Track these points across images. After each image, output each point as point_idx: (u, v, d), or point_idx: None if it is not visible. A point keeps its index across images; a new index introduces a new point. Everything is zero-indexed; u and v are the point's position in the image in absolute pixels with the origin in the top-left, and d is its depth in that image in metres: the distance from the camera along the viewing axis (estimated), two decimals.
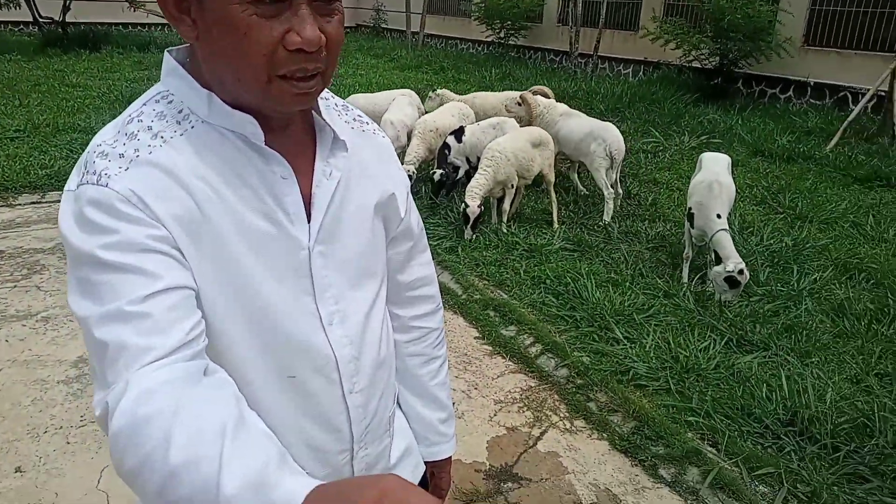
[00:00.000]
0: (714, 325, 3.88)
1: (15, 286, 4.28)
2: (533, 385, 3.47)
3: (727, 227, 4.31)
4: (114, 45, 15.14)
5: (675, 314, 4.03)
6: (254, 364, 0.94)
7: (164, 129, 0.89)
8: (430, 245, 4.07)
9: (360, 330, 1.03)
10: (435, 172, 5.85)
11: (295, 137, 0.97)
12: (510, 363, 3.67)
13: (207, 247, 0.88)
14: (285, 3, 0.82)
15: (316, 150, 0.98)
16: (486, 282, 4.54)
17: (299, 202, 0.94)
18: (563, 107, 6.51)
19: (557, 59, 15.31)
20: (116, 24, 18.13)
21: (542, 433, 3.09)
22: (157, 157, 0.86)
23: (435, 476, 1.37)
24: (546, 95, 7.08)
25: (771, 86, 11.21)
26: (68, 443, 2.86)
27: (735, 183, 6.49)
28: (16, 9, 14.71)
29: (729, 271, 4.10)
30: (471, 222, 5.04)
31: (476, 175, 5.15)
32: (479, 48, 17.82)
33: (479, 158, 5.39)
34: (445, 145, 5.94)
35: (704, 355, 3.55)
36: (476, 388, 3.42)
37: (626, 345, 3.69)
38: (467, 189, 5.10)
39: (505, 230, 5.31)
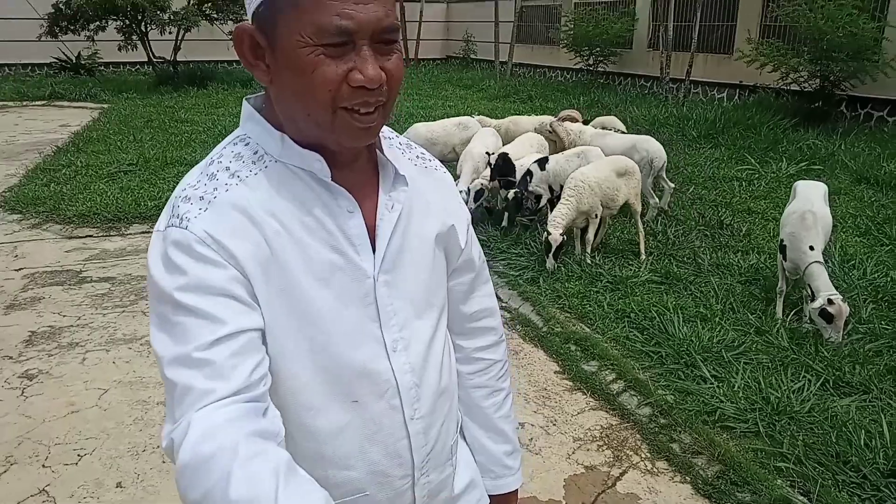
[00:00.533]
0: (809, 365, 3.70)
1: (123, 311, 4.60)
2: (614, 423, 3.41)
3: (821, 260, 4.12)
4: (219, 81, 16.06)
5: (767, 352, 3.87)
6: (320, 389, 1.00)
7: (241, 168, 0.98)
8: (511, 275, 4.12)
9: (422, 357, 1.08)
10: (508, 192, 5.83)
11: (360, 174, 1.04)
12: (591, 399, 3.62)
13: (277, 279, 0.95)
14: (349, 45, 0.90)
15: (379, 185, 1.06)
16: (568, 314, 4.50)
17: (364, 233, 1.01)
18: (591, 129, 6.82)
19: (648, 84, 15.08)
20: (221, 62, 19.23)
21: (622, 473, 3.03)
22: (232, 196, 0.96)
23: None
24: (574, 120, 7.15)
25: (878, 108, 10.64)
26: (164, 462, 3.04)
27: (836, 212, 6.22)
28: (133, 50, 15.85)
29: (819, 305, 3.91)
30: (552, 251, 5.02)
31: (559, 204, 5.14)
32: (568, 75, 17.79)
33: (562, 187, 5.38)
34: (528, 172, 5.97)
35: (798, 397, 3.39)
36: (554, 424, 3.39)
37: (713, 383, 3.57)
38: (549, 218, 5.10)
39: (589, 261, 5.26)
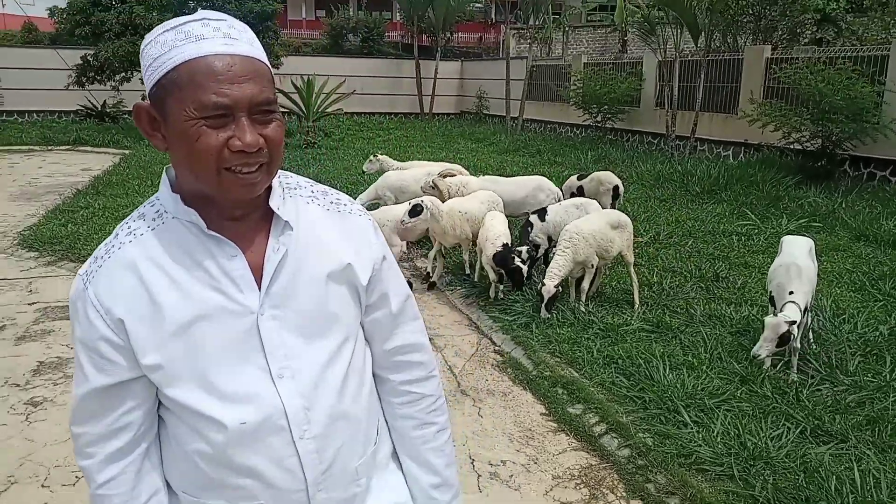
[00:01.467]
0: (790, 414, 3.78)
1: None
2: (594, 463, 3.50)
3: (797, 301, 4.24)
4: None
5: (750, 400, 3.96)
6: (215, 412, 1.15)
7: (140, 227, 1.17)
8: (505, 321, 4.29)
9: (312, 384, 1.19)
10: (520, 251, 5.88)
11: (253, 223, 1.19)
12: (573, 440, 3.72)
13: (166, 324, 1.13)
14: (229, 117, 1.07)
15: (270, 232, 1.20)
16: (558, 359, 4.62)
17: (247, 274, 1.16)
18: (475, 180, 7.43)
19: (655, 141, 15.39)
20: None
21: None
22: (124, 252, 1.15)
23: None
24: (454, 174, 7.56)
25: (880, 168, 10.80)
26: None
27: (833, 269, 6.35)
28: None
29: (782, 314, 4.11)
30: (546, 302, 5.16)
31: (555, 256, 5.30)
32: (577, 132, 18.17)
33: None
34: (528, 223, 6.16)
35: (775, 444, 3.47)
36: (535, 463, 3.49)
37: (693, 428, 3.66)
38: (547, 270, 5.25)
39: (583, 309, 5.39)
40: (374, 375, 1.37)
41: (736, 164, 12.48)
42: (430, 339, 4.61)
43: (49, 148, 15.16)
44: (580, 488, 3.28)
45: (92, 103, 18.47)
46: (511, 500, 3.17)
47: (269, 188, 1.19)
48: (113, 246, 1.16)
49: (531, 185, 7.29)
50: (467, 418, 3.92)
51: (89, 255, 4.37)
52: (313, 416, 1.19)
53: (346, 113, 19.69)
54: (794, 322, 4.11)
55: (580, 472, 3.42)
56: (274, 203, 1.19)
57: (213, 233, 1.15)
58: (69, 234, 7.41)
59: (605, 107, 15.90)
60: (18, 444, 3.52)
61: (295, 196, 1.24)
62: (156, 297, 1.12)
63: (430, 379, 1.41)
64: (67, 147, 15.31)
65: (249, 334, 1.16)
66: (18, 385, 4.16)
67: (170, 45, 1.06)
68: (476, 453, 3.56)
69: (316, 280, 1.21)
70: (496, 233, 5.67)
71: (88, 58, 15.71)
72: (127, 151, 14.33)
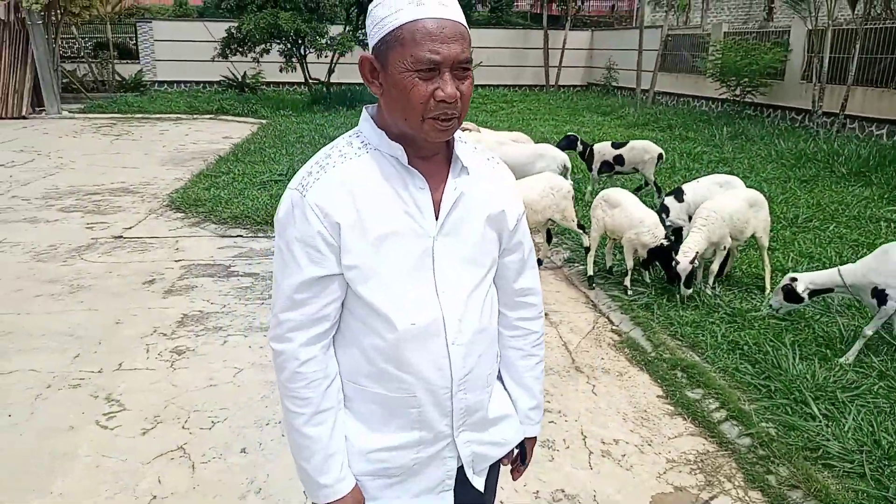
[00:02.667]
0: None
1: (262, 303, 5.09)
2: (711, 450, 3.40)
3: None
4: (367, 102, 17.02)
5: (888, 397, 3.69)
6: (391, 309, 1.38)
7: (349, 152, 1.41)
8: (624, 300, 4.25)
9: (463, 299, 1.44)
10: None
11: (436, 165, 1.43)
12: (690, 425, 3.62)
13: (362, 233, 1.35)
14: (435, 72, 1.27)
15: (449, 173, 1.43)
16: (679, 342, 4.49)
17: (430, 205, 1.40)
18: (491, 138, 7.58)
19: (799, 117, 14.37)
20: None
21: (712, 498, 3.03)
22: (338, 171, 1.37)
23: (521, 449, 1.72)
24: (468, 129, 7.62)
25: None
26: (283, 435, 3.38)
27: None
28: (292, 71, 17.17)
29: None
30: (683, 280, 4.95)
31: (690, 234, 5.10)
32: (713, 105, 17.27)
33: None
34: (664, 207, 5.87)
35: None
36: (650, 445, 3.43)
37: (822, 421, 3.46)
38: (681, 248, 5.04)
39: (709, 292, 5.19)
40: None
41: (890, 143, 11.47)
42: (546, 315, 4.61)
43: (194, 116, 16.24)
44: (695, 474, 3.19)
45: (234, 74, 19.53)
46: (622, 479, 3.14)
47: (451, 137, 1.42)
48: (327, 165, 1.38)
49: (531, 152, 7.19)
50: (580, 395, 3.90)
51: (230, 217, 4.75)
52: (463, 326, 1.43)
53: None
54: (795, 279, 4.39)
55: (696, 457, 3.33)
56: (459, 150, 1.43)
57: (410, 167, 1.38)
58: (212, 197, 7.94)
59: (745, 79, 14.98)
60: (164, 387, 3.86)
61: (465, 148, 1.48)
62: (361, 209, 1.35)
63: (539, 318, 1.67)
64: (211, 116, 16.33)
65: (425, 253, 1.40)
66: (165, 335, 4.55)
67: (396, 6, 1.27)
68: (588, 430, 3.54)
69: (479, 218, 1.46)
70: (644, 218, 5.26)
71: (232, 30, 16.58)
72: (264, 121, 15.09)
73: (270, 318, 1.44)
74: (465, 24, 1.32)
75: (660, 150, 8.05)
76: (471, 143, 1.53)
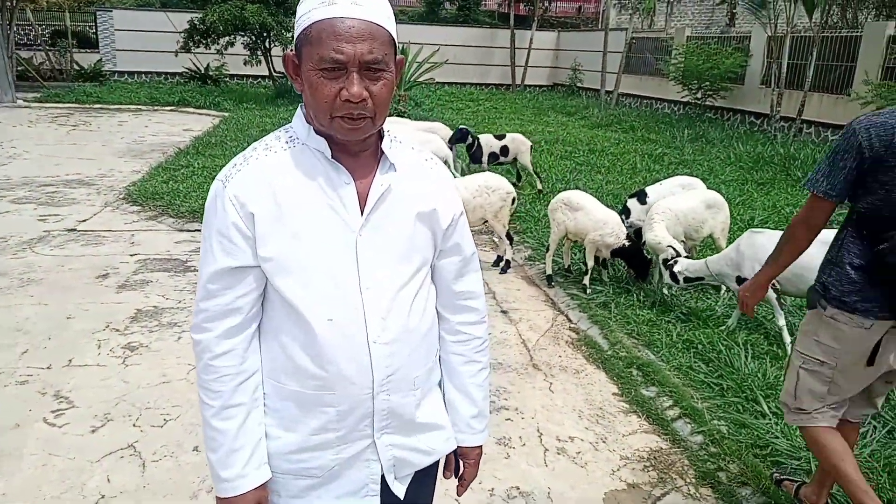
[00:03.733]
0: (879, 414, 3.59)
1: None
2: (664, 447, 3.45)
3: None
4: None
5: None
6: (309, 305, 1.36)
7: (275, 146, 1.40)
8: (582, 298, 4.27)
9: (390, 297, 1.40)
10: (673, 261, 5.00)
11: (364, 160, 1.41)
12: (644, 423, 3.67)
13: (281, 225, 1.34)
14: (342, 71, 1.26)
15: (377, 169, 1.42)
16: (635, 340, 4.54)
17: (355, 200, 1.38)
18: (407, 124, 8.45)
19: (758, 121, 14.69)
20: None
21: (664, 494, 3.07)
22: (261, 163, 1.37)
23: (463, 459, 1.68)
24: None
25: None
26: None
27: None
28: (256, 65, 16.96)
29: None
30: (679, 280, 4.84)
31: (649, 229, 5.14)
32: (675, 108, 17.54)
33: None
34: (625, 209, 5.93)
35: (861, 442, 3.31)
36: (604, 442, 3.46)
37: (771, 419, 3.54)
38: (650, 242, 5.07)
39: (666, 291, 5.26)
40: (436, 313, 1.58)
41: None
42: (505, 312, 4.63)
43: (155, 108, 15.92)
44: (648, 471, 3.23)
45: (196, 66, 19.21)
46: (577, 476, 3.17)
47: (381, 135, 1.42)
48: (251, 157, 1.39)
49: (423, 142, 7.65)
50: (538, 392, 3.92)
51: (188, 211, 4.69)
52: (387, 325, 1.40)
53: (437, 83, 19.70)
54: (676, 260, 4.84)
55: (649, 454, 3.37)
56: (384, 146, 1.42)
57: (335, 161, 1.37)
58: (170, 190, 7.80)
59: (707, 83, 15.27)
60: (115, 384, 3.78)
61: (399, 148, 1.47)
62: (281, 202, 1.34)
63: (482, 323, 1.63)
64: (172, 108, 16.03)
65: (348, 248, 1.37)
66: (118, 330, 4.45)
67: (311, 6, 1.28)
68: (544, 427, 3.56)
69: (407, 215, 1.43)
70: (607, 220, 5.28)
71: (195, 21, 16.31)
72: (226, 114, 14.87)
73: (194, 325, 1.41)
74: (387, 24, 1.29)
75: (530, 142, 8.93)
76: (407, 142, 1.51)
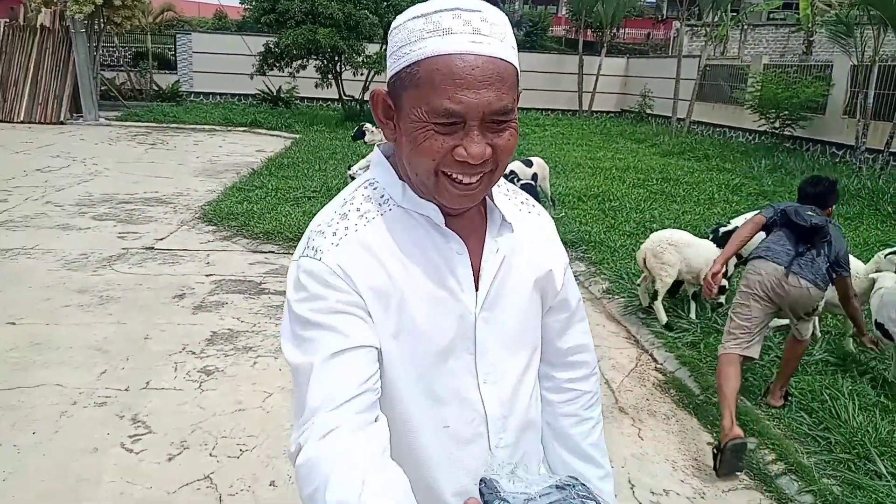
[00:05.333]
0: None
1: None
2: None
3: None
4: None
5: None
6: (418, 412, 1.10)
7: (369, 210, 1.11)
8: (668, 337, 4.04)
9: (511, 392, 1.17)
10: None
11: (469, 219, 1.15)
12: (745, 478, 3.39)
13: (393, 309, 1.07)
14: (459, 125, 0.99)
15: (487, 229, 1.15)
16: None
17: (469, 274, 1.12)
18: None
19: (840, 153, 14.05)
20: None
21: None
22: (361, 235, 1.08)
23: None
24: None
25: None
26: None
27: None
28: (327, 88, 17.23)
29: None
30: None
31: None
32: (750, 137, 16.98)
33: None
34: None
35: None
36: (702, 497, 3.21)
37: (889, 481, 3.22)
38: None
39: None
40: (539, 376, 1.32)
41: None
42: None
43: (228, 128, 16.30)
44: None
45: (269, 88, 19.64)
46: None
47: None
48: (346, 228, 1.09)
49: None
50: (626, 438, 3.69)
51: (262, 232, 4.63)
52: (509, 423, 1.17)
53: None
54: None
55: None
56: (499, 201, 1.16)
57: (447, 229, 1.11)
58: (244, 211, 7.87)
59: (786, 112, 14.70)
60: (192, 409, 3.72)
61: (500, 194, 1.20)
62: (392, 278, 1.08)
63: (592, 376, 1.39)
64: (244, 129, 16.38)
65: (465, 335, 1.13)
66: (194, 353, 4.42)
67: (416, 35, 1.00)
68: (636, 478, 3.33)
69: (524, 285, 1.19)
70: (715, 252, 4.91)
71: (270, 44, 16.69)
72: (297, 136, 15.10)
73: (295, 437, 0.99)
74: (512, 57, 1.02)
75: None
76: (502, 185, 1.23)
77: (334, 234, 1.09)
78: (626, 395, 4.18)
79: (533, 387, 1.23)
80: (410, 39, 1.00)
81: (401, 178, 1.12)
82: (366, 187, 1.15)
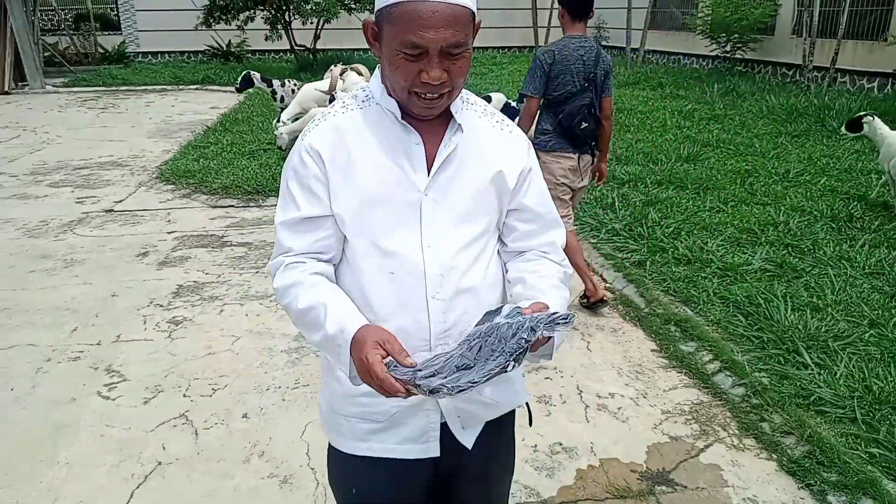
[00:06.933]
0: None
1: (257, 272, 5.10)
2: (705, 400, 3.46)
3: None
4: None
5: (879, 344, 3.75)
6: (370, 260, 1.43)
7: (350, 104, 1.47)
8: (616, 258, 4.28)
9: (449, 257, 1.43)
10: None
11: (435, 125, 1.45)
12: (684, 377, 3.68)
13: (352, 180, 1.40)
14: (423, 54, 1.29)
15: (446, 131, 1.45)
16: (672, 297, 4.53)
17: (423, 160, 1.42)
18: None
19: (790, 73, 14.30)
20: (358, 50, 20.07)
21: (707, 446, 3.09)
22: (336, 120, 1.44)
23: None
24: (359, 72, 8.98)
25: None
26: (283, 400, 3.43)
27: None
28: (277, 39, 16.93)
29: None
30: None
31: None
32: (703, 62, 17.16)
33: None
34: None
35: None
36: (645, 397, 3.49)
37: (813, 370, 3.53)
38: None
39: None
40: (509, 263, 1.57)
41: (881, 96, 11.47)
42: None
43: (180, 87, 16.01)
44: (690, 424, 3.25)
45: (218, 43, 19.23)
46: (619, 431, 3.20)
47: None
48: (328, 114, 1.46)
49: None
50: (576, 351, 3.95)
51: (220, 187, 4.80)
52: (444, 282, 1.43)
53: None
54: None
55: (691, 408, 3.39)
56: (454, 109, 1.44)
57: (405, 122, 1.41)
58: (201, 168, 7.89)
59: (736, 35, 14.83)
60: (163, 357, 3.89)
61: (470, 109, 1.50)
62: (353, 158, 1.41)
63: (564, 262, 1.57)
64: (197, 86, 16.10)
65: (413, 207, 1.42)
66: (161, 305, 4.56)
67: None
68: (584, 385, 3.59)
69: (473, 178, 1.46)
70: None
71: None
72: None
73: (271, 263, 1.48)
74: (469, 3, 1.30)
75: None
76: (479, 105, 1.53)
77: (319, 119, 1.46)
78: (577, 314, 4.43)
79: (475, 260, 1.46)
80: None
81: (383, 83, 1.43)
82: (357, 90, 1.50)
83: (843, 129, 6.60)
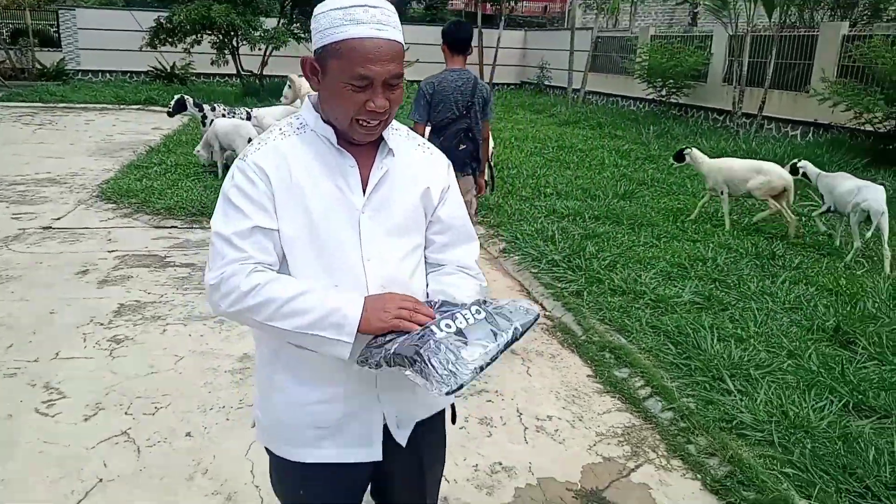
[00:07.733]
0: (834, 388, 3.83)
1: (201, 293, 5.09)
2: (636, 423, 3.64)
3: None
4: None
5: (796, 373, 4.02)
6: (317, 278, 1.50)
7: (287, 130, 1.58)
8: (556, 287, 4.44)
9: (389, 269, 1.56)
10: None
11: (367, 149, 1.59)
12: (618, 402, 3.86)
13: (295, 200, 1.50)
14: (369, 85, 1.44)
15: (376, 155, 1.59)
16: (607, 326, 4.74)
17: (358, 182, 1.55)
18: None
19: (720, 118, 15.07)
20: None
21: (638, 466, 3.26)
22: (277, 144, 1.55)
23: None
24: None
25: None
26: (228, 419, 3.45)
27: None
28: (224, 64, 16.88)
29: None
30: None
31: None
32: (640, 105, 17.90)
33: None
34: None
35: (817, 415, 3.54)
36: (580, 420, 3.64)
37: (736, 396, 3.75)
38: None
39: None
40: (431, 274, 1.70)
41: (804, 143, 12.19)
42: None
43: (121, 107, 15.78)
44: (622, 445, 3.42)
45: (162, 65, 19.03)
46: (556, 452, 3.34)
47: None
48: (267, 139, 1.56)
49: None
50: (516, 376, 4.09)
51: (164, 208, 4.91)
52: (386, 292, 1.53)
53: (407, 81, 19.72)
54: None
55: (623, 430, 3.56)
56: (385, 134, 1.58)
57: (340, 147, 1.54)
58: (144, 188, 7.81)
59: (671, 81, 15.61)
60: (104, 375, 3.85)
61: (396, 134, 1.65)
62: (294, 176, 1.51)
63: (476, 279, 1.70)
64: (139, 106, 15.90)
65: (352, 225, 1.53)
66: (102, 324, 4.50)
67: (337, 22, 1.42)
68: (524, 408, 3.73)
69: (404, 195, 1.60)
70: None
71: (161, 20, 16.19)
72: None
73: (207, 275, 1.49)
74: (402, 40, 1.46)
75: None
76: (403, 130, 1.68)
77: (259, 143, 1.56)
78: (517, 343, 4.58)
79: (412, 272, 1.60)
80: (333, 24, 1.42)
81: (317, 112, 1.56)
82: (292, 118, 1.61)
83: (671, 159, 8.07)
